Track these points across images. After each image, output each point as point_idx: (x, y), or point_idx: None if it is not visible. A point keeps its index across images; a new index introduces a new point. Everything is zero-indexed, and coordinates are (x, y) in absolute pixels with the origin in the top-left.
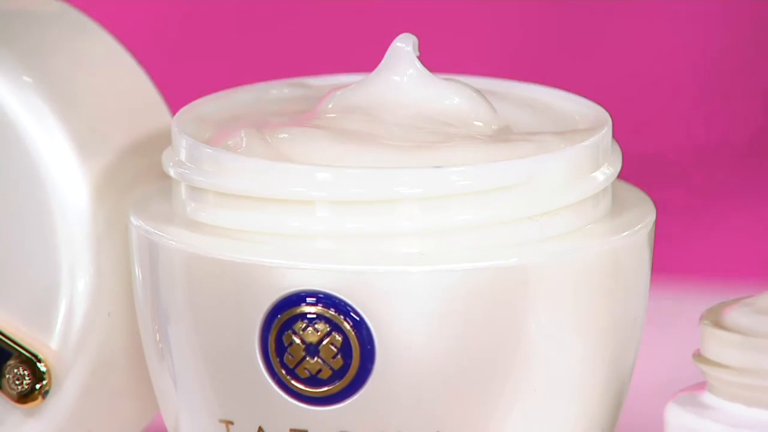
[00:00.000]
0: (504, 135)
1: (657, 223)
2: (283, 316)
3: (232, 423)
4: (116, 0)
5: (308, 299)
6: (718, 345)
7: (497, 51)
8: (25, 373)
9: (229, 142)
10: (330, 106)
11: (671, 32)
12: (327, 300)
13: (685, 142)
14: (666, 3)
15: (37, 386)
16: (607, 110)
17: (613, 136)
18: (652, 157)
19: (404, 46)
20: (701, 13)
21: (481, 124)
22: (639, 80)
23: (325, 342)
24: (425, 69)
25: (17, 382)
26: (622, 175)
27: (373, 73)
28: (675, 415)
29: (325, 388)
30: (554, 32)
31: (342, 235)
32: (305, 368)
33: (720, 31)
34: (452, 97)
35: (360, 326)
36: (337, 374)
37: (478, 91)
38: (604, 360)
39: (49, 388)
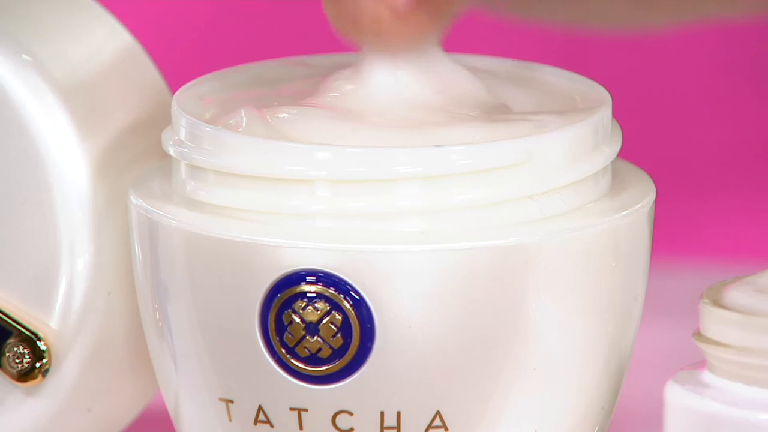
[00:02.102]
0: (504, 114)
1: (657, 202)
2: (283, 295)
3: (231, 402)
4: None
5: (308, 278)
6: (718, 324)
7: (498, 31)
8: (25, 351)
9: (229, 121)
10: (330, 85)
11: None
12: (327, 279)
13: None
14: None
15: (37, 365)
16: (609, 92)
17: (613, 115)
18: (652, 136)
19: None
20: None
21: (481, 103)
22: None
23: (325, 321)
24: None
25: (17, 361)
26: (622, 155)
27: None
28: (675, 394)
29: (325, 367)
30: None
31: (342, 214)
32: (305, 347)
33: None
34: (453, 76)
35: (360, 305)
36: (337, 353)
37: (478, 71)
38: (604, 339)
39: (49, 366)
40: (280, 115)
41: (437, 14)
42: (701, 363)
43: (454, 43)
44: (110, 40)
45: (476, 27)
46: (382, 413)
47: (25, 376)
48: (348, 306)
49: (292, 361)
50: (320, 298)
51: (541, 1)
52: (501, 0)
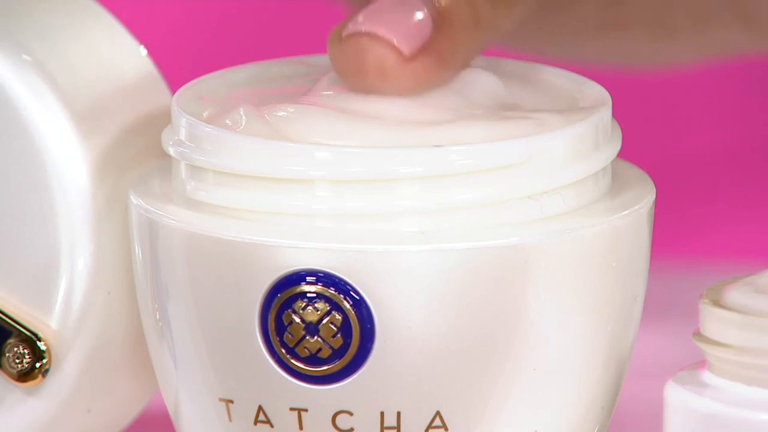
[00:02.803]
0: (504, 114)
1: (657, 202)
2: (283, 295)
3: (232, 402)
4: None
5: (308, 278)
6: (718, 324)
7: None
8: (25, 351)
9: (228, 121)
10: (330, 84)
11: None
12: (327, 279)
13: (687, 124)
14: None
15: (37, 365)
16: (609, 91)
17: (613, 115)
18: (652, 136)
19: None
20: None
21: (481, 100)
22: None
23: (325, 321)
24: None
25: (17, 361)
26: (622, 155)
27: None
28: (675, 394)
29: (325, 367)
30: None
31: (342, 214)
32: (305, 347)
33: None
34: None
35: (360, 305)
36: (337, 353)
37: (478, 70)
38: (604, 339)
39: (49, 366)
40: (279, 114)
41: (444, 60)
42: (701, 363)
43: None
44: (110, 40)
45: None
46: (382, 413)
47: (25, 376)
48: (348, 306)
49: (292, 361)
50: (320, 298)
51: (555, 40)
52: (513, 41)
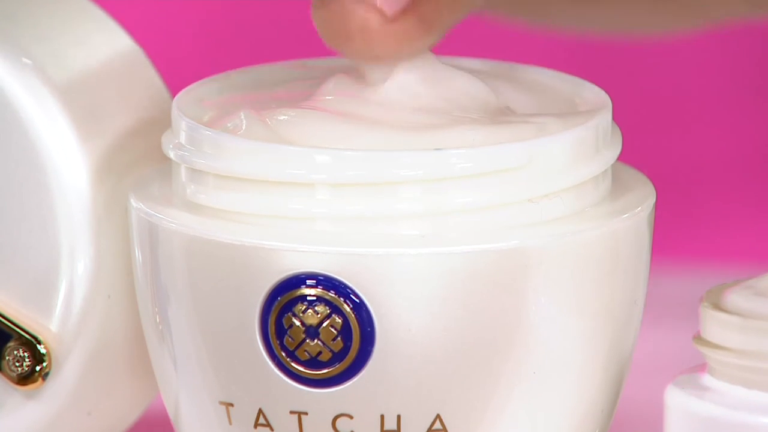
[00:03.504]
0: (504, 117)
1: (657, 206)
2: (283, 298)
3: (232, 405)
4: None
5: (308, 281)
6: (719, 327)
7: (497, 33)
8: (25, 355)
9: (228, 125)
10: (330, 88)
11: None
12: (327, 282)
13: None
14: None
15: (37, 368)
16: (609, 95)
17: (613, 118)
18: (652, 140)
19: None
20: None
21: (481, 106)
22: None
23: (325, 324)
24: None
25: (17, 364)
26: (622, 158)
27: None
28: (675, 397)
29: (325, 371)
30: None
31: (342, 217)
32: (305, 350)
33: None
34: (453, 79)
35: (360, 308)
36: (337, 356)
37: (478, 73)
38: (604, 342)
39: (49, 370)
40: (279, 118)
41: (428, 22)
42: (701, 366)
43: (454, 46)
44: (110, 43)
45: (475, 29)
46: (382, 416)
47: (25, 379)
48: (348, 309)
49: (292, 364)
50: (320, 302)
51: (547, 7)
52: (502, 9)
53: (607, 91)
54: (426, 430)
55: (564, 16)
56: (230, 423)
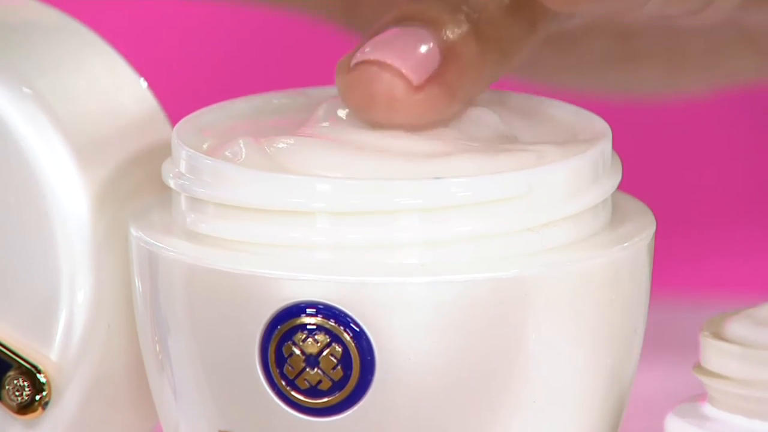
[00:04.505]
0: (504, 146)
1: (657, 235)
2: (283, 327)
3: None
4: (117, 12)
5: (308, 310)
6: (719, 356)
7: None
8: (25, 384)
9: (228, 153)
10: (326, 115)
11: None
12: (327, 311)
13: (687, 157)
14: None
15: (37, 397)
16: (609, 124)
17: (613, 147)
18: (652, 169)
19: None
20: None
21: (481, 134)
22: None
23: (325, 353)
24: None
25: (17, 394)
26: (622, 187)
27: None
28: (675, 427)
29: (325, 399)
30: None
31: (341, 245)
32: (305, 379)
33: None
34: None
35: (360, 337)
36: (337, 385)
37: (478, 101)
38: (604, 371)
39: (49, 399)
40: (278, 146)
41: (453, 91)
42: (702, 396)
43: None
44: (110, 72)
45: None
46: None
47: (25, 408)
48: (348, 338)
49: (292, 393)
50: (320, 330)
51: (565, 72)
52: (523, 73)
53: (607, 120)
54: None
55: (581, 80)
56: None
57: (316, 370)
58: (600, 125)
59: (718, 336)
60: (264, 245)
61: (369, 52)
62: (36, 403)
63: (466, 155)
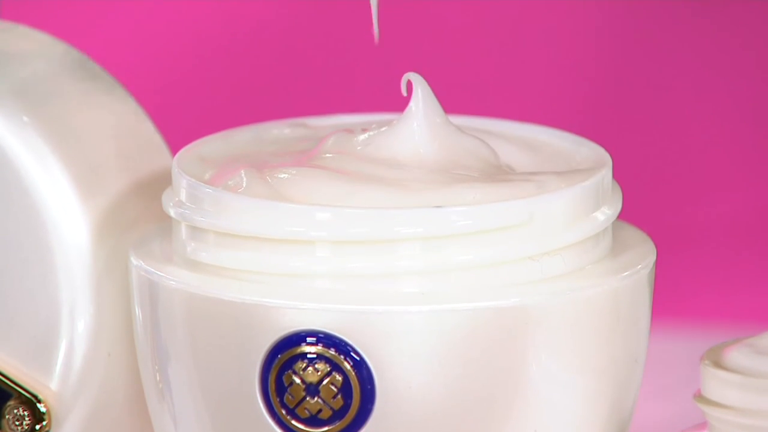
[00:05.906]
0: (505, 175)
1: (657, 264)
2: (284, 355)
3: None
4: (118, 41)
5: (308, 339)
6: (719, 385)
7: (493, 86)
8: (25, 413)
9: (229, 182)
10: (330, 146)
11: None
12: (327, 340)
13: (688, 186)
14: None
15: (37, 427)
16: (610, 153)
17: (614, 176)
18: (653, 198)
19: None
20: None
21: (481, 164)
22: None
23: (325, 382)
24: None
25: (17, 423)
26: (623, 216)
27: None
28: None
29: (326, 428)
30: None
31: (342, 274)
32: (305, 408)
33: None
34: (452, 137)
35: (360, 366)
36: (338, 414)
37: (479, 132)
38: (604, 400)
39: (49, 428)
40: (280, 176)
41: None
42: (702, 425)
43: (456, 103)
44: (111, 102)
45: (476, 87)
46: None
47: None
48: (348, 367)
49: (293, 422)
50: (321, 359)
51: None
52: None
53: (607, 149)
54: None
55: None
56: None
57: (316, 398)
58: (600, 154)
59: (719, 365)
60: (264, 274)
61: None
62: None
63: (468, 185)
